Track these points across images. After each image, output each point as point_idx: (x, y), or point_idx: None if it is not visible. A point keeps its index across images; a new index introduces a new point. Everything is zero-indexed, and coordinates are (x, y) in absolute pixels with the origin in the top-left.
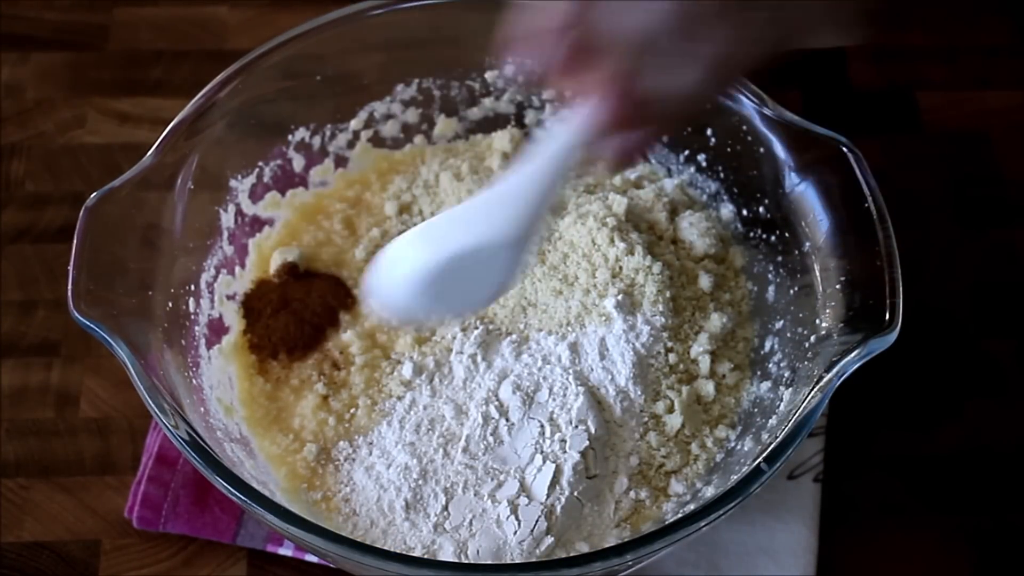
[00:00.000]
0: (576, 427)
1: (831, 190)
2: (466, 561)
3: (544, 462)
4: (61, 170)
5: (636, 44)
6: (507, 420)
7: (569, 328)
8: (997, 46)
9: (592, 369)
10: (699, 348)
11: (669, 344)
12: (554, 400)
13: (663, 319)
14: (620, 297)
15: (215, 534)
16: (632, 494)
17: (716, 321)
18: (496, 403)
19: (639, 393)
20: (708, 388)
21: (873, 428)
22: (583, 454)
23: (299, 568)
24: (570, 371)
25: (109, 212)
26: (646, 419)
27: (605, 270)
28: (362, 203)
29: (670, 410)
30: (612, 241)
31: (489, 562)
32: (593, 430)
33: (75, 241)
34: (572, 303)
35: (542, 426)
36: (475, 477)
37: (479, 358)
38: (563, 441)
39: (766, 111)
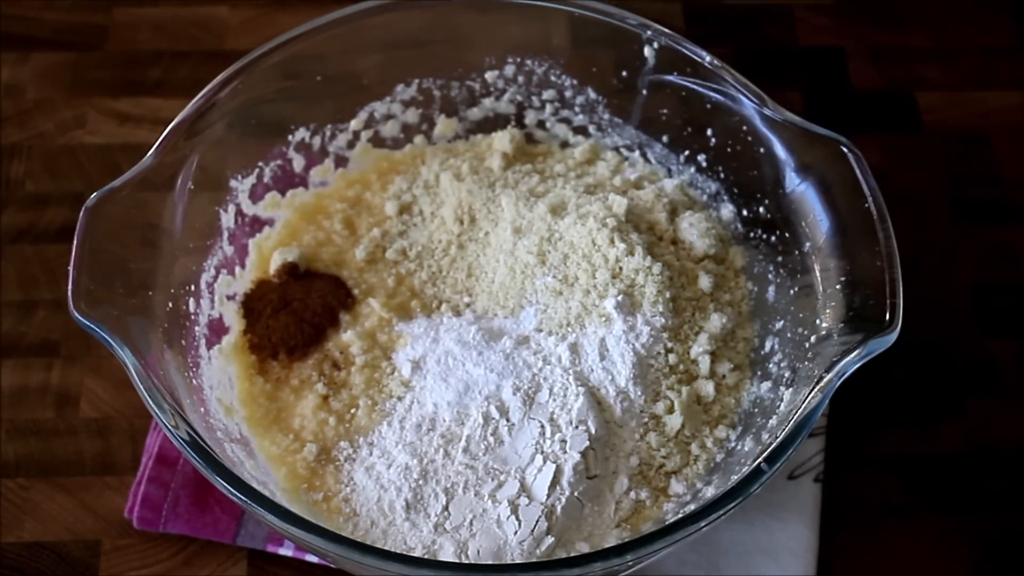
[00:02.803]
0: (576, 427)
1: (831, 190)
2: (466, 561)
3: (544, 462)
4: (61, 170)
5: None
6: (507, 420)
7: (569, 328)
8: (997, 46)
9: (592, 370)
10: (699, 348)
11: (669, 344)
12: (554, 400)
13: (663, 320)
14: (620, 298)
15: (215, 534)
16: (632, 494)
17: (716, 321)
18: (497, 403)
19: (639, 394)
20: (708, 388)
21: (873, 428)
22: (583, 454)
23: (299, 568)
24: (570, 371)
25: (109, 212)
26: (646, 419)
27: (605, 271)
28: (362, 203)
29: (670, 410)
30: (612, 242)
31: (489, 562)
32: (593, 430)
33: (75, 241)
34: (572, 303)
35: (542, 426)
36: (475, 477)
37: (479, 359)
38: (563, 441)
39: (766, 111)
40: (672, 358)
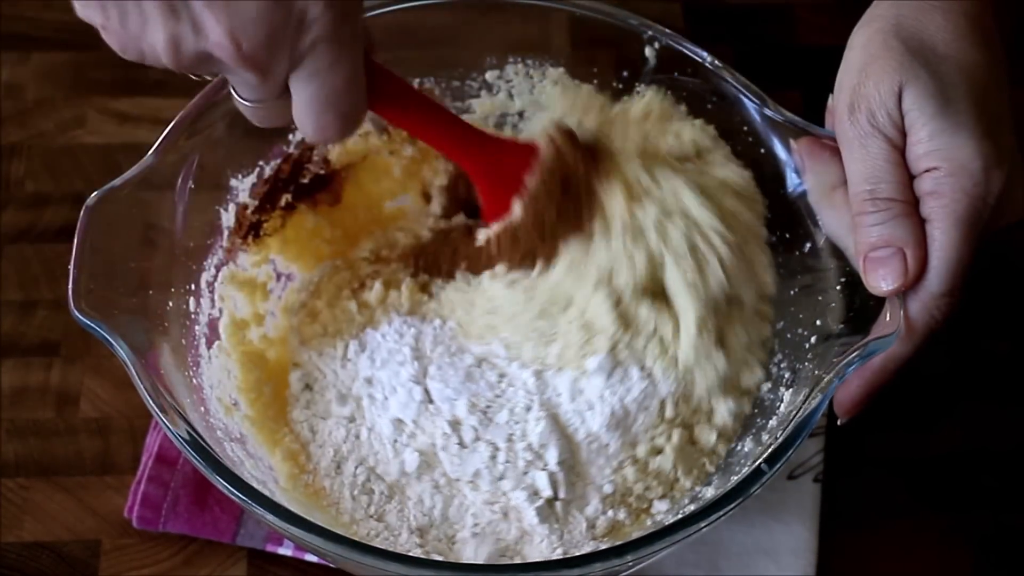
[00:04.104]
0: (533, 463)
1: None
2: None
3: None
4: (61, 170)
5: None
6: (459, 440)
7: (543, 365)
8: None
9: (560, 404)
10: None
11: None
12: (515, 423)
13: (671, 386)
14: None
15: (215, 534)
16: (610, 513)
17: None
18: (451, 419)
19: (615, 440)
20: (709, 437)
21: (873, 428)
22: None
23: (299, 568)
24: (535, 396)
25: (109, 212)
26: (622, 459)
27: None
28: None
29: (656, 452)
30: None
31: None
32: (556, 458)
33: (75, 241)
34: (552, 348)
35: (495, 450)
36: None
37: (438, 373)
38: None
39: (766, 111)
40: (669, 411)
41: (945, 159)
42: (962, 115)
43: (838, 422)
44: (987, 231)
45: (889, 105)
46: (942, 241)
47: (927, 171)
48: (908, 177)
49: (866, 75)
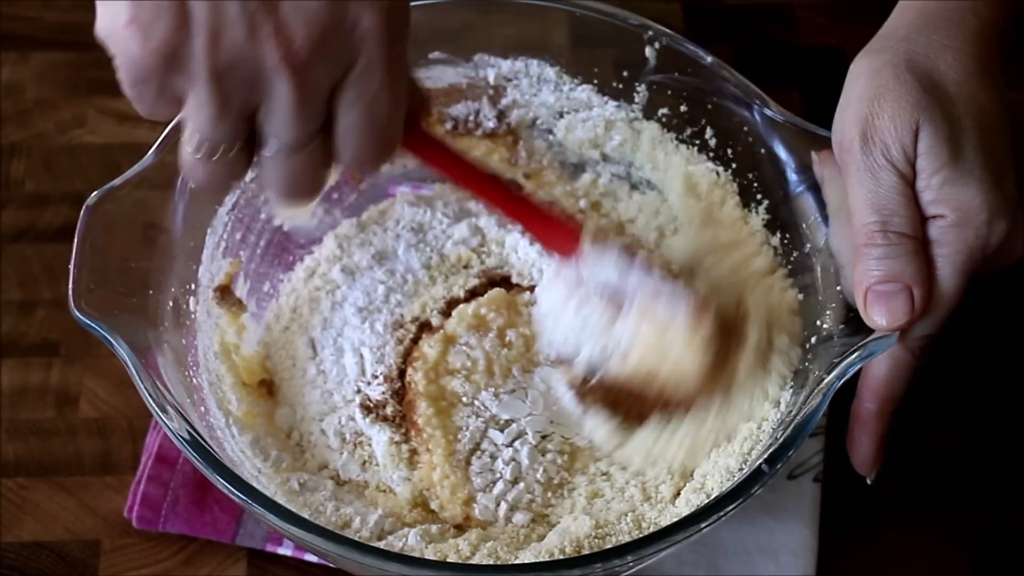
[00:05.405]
0: None
1: None
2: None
3: None
4: (61, 170)
5: None
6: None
7: None
8: None
9: None
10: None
11: None
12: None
13: None
14: None
15: (215, 534)
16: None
17: None
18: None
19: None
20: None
21: None
22: None
23: (299, 568)
24: None
25: (109, 211)
26: None
27: None
28: None
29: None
30: None
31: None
32: None
33: (76, 240)
34: None
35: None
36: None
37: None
38: None
39: (767, 112)
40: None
41: (952, 209)
42: (972, 163)
43: (868, 481)
44: (981, 274)
45: (905, 141)
46: (938, 290)
47: (932, 218)
48: (919, 214)
49: (879, 106)
